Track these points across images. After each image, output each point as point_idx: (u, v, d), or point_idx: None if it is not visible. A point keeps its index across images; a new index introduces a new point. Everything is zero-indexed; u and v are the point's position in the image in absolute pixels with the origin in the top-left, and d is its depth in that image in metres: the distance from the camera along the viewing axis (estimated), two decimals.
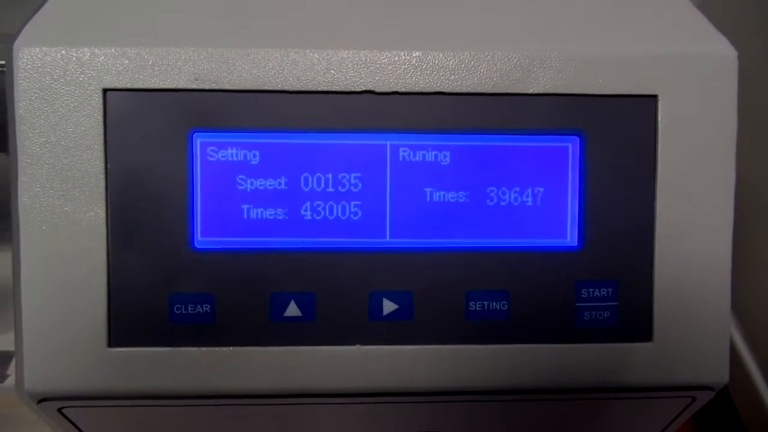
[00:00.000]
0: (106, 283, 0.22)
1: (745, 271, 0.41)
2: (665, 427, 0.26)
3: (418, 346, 0.23)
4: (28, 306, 0.22)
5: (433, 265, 0.23)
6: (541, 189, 0.23)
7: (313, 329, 0.23)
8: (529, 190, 0.23)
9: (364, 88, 0.22)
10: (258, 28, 0.23)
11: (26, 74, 0.21)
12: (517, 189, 0.23)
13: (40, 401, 0.22)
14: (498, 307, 0.23)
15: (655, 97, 0.23)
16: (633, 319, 0.23)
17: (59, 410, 0.23)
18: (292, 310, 0.22)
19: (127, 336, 0.22)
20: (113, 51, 0.22)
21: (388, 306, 0.23)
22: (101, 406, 0.23)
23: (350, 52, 0.22)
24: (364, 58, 0.22)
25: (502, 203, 0.23)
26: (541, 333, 0.23)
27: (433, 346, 0.23)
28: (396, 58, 0.22)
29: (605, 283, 0.23)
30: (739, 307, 0.42)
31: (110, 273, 0.22)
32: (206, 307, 0.22)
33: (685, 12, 0.25)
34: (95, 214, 0.22)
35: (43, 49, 0.22)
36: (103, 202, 0.22)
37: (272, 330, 0.22)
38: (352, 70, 0.22)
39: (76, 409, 0.23)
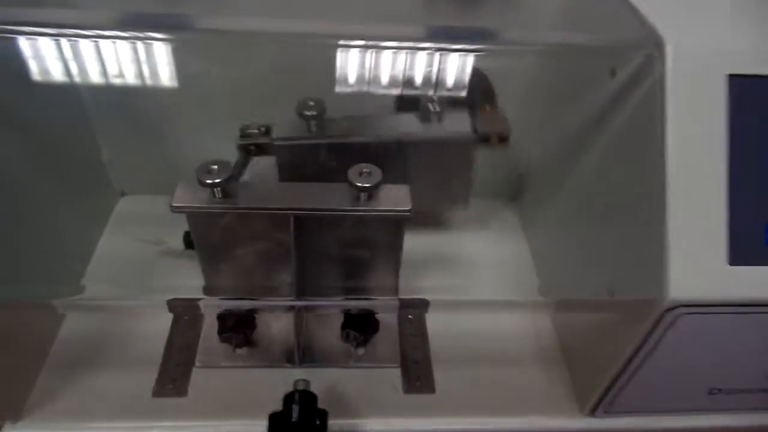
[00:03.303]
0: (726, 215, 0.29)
1: None
2: None
3: None
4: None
5: None
6: None
7: None
8: None
9: None
10: None
11: (674, 62, 0.30)
12: None
13: (668, 309, 0.29)
14: None
15: None
16: None
17: (677, 316, 0.30)
18: None
19: (741, 258, 0.29)
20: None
21: None
22: (717, 313, 0.30)
23: None
24: None
25: None
26: None
27: None
28: None
29: None
30: None
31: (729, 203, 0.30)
32: None
33: None
34: (716, 163, 0.30)
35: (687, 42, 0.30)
36: (726, 154, 0.30)
37: None
38: None
39: (693, 316, 0.30)
